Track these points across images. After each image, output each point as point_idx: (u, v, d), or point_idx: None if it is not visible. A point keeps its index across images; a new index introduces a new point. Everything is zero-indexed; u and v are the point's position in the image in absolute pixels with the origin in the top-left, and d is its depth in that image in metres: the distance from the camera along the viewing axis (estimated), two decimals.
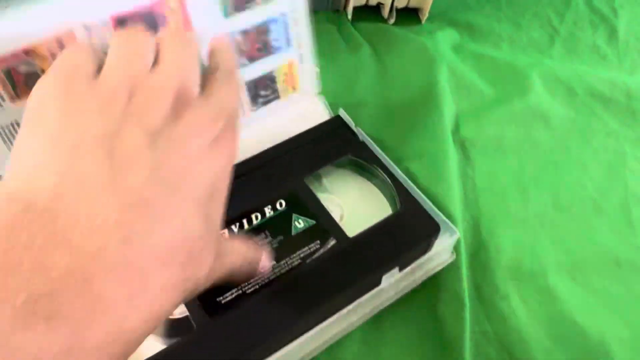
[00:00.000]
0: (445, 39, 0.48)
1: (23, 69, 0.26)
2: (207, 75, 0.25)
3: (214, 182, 0.22)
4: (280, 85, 0.36)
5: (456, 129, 0.42)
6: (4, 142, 0.27)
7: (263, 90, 0.36)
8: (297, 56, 0.36)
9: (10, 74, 0.26)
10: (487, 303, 0.35)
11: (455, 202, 0.38)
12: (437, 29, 0.49)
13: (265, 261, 0.28)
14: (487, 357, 0.33)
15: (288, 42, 0.35)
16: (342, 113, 0.38)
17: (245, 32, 0.32)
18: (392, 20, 0.50)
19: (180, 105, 0.22)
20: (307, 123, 0.37)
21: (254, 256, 0.27)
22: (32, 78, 0.27)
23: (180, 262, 0.20)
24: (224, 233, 0.30)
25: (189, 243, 0.20)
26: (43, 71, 0.27)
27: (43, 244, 0.17)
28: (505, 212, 0.38)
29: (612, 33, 0.49)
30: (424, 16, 0.49)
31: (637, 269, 0.36)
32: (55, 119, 0.20)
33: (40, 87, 0.21)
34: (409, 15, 0.50)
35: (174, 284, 0.20)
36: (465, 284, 0.35)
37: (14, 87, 0.26)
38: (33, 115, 0.20)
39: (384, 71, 0.46)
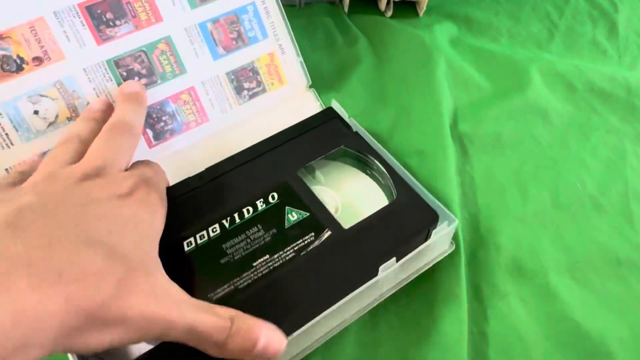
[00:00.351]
0: (443, 33, 0.47)
1: None
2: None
3: (112, 224, 0.23)
4: (264, 77, 0.36)
5: (454, 124, 0.42)
6: None
7: (247, 83, 0.36)
8: (276, 47, 0.36)
9: None
10: (486, 303, 0.34)
11: (454, 199, 0.37)
12: (434, 23, 0.48)
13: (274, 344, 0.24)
14: (486, 358, 0.32)
15: (263, 32, 0.35)
16: (335, 104, 0.37)
17: (216, 21, 0.33)
18: (389, 13, 0.49)
19: (88, 179, 0.25)
20: (297, 116, 0.36)
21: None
22: (7, 62, 0.29)
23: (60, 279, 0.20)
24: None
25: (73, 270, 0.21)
26: (18, 56, 0.29)
27: None
28: (504, 209, 0.38)
29: (612, 28, 0.48)
30: (422, 9, 0.48)
31: (637, 268, 0.35)
32: None
33: None
34: (406, 8, 0.49)
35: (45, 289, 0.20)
36: (464, 283, 0.34)
37: None
38: None
39: (381, 65, 0.45)
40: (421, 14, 0.49)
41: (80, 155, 0.27)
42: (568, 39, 0.47)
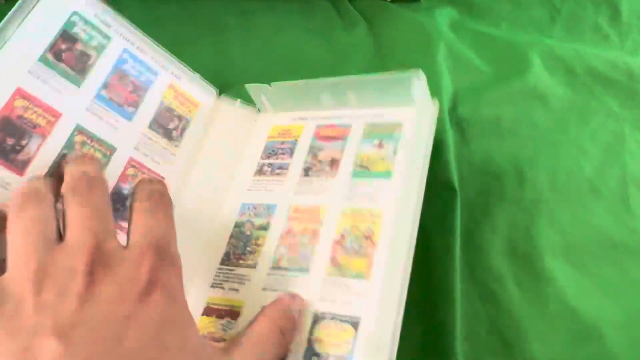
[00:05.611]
0: (443, 17, 0.47)
1: None
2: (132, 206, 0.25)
3: (155, 332, 0.22)
4: (181, 110, 0.35)
5: (453, 108, 0.42)
6: None
7: (170, 123, 0.35)
8: (171, 77, 0.35)
9: None
10: (480, 284, 0.34)
11: (452, 182, 0.37)
12: (435, 7, 0.48)
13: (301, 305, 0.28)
14: (479, 338, 0.33)
15: (152, 71, 0.34)
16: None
17: (106, 86, 0.32)
18: None
19: (94, 274, 0.21)
20: (231, 125, 0.38)
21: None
22: None
23: None
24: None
25: None
26: None
27: None
28: (500, 193, 0.38)
29: (615, 13, 0.48)
30: None
31: (632, 253, 0.35)
32: None
33: None
34: None
35: None
36: (458, 264, 0.34)
37: None
38: None
39: (381, 49, 0.45)
40: None
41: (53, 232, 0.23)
42: (570, 24, 0.47)
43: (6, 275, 0.22)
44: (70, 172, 0.25)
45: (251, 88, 0.37)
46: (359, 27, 0.47)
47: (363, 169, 0.34)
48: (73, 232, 0.23)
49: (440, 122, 0.40)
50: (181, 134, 0.35)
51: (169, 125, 0.35)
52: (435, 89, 0.42)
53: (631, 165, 0.39)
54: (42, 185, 0.25)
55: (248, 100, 0.39)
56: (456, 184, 0.37)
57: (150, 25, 0.46)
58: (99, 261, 0.22)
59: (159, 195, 0.26)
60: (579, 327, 0.33)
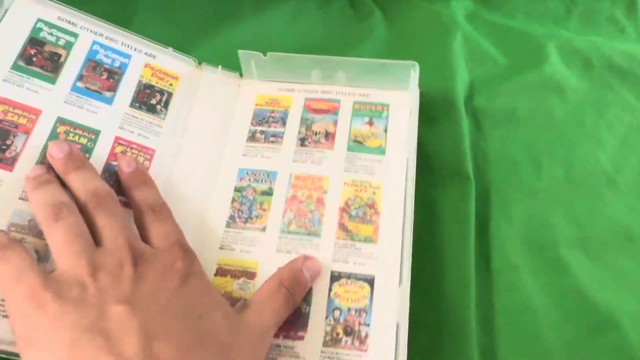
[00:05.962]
0: (459, 7, 0.47)
1: None
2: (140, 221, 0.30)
3: (195, 302, 0.26)
4: (160, 84, 0.36)
5: (469, 98, 0.41)
6: None
7: (152, 99, 0.36)
8: (146, 58, 0.37)
9: None
10: (496, 274, 0.34)
11: (467, 172, 0.37)
12: None
13: (311, 267, 0.31)
14: (494, 327, 0.33)
15: (124, 55, 0.36)
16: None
17: (81, 77, 0.34)
18: None
19: (138, 265, 0.26)
20: (219, 93, 0.39)
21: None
22: None
23: None
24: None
25: None
26: None
27: None
28: (516, 184, 0.38)
29: (631, 5, 0.47)
30: None
31: None
32: (43, 332, 0.23)
33: (14, 315, 0.24)
34: None
35: None
36: (473, 252, 0.34)
37: None
38: (24, 341, 0.24)
39: (395, 38, 0.45)
40: None
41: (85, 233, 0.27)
42: (585, 16, 0.47)
43: (59, 271, 0.25)
44: (86, 189, 0.29)
45: (242, 54, 0.38)
46: (374, 16, 0.46)
47: (358, 144, 0.37)
48: (108, 238, 0.27)
49: (455, 112, 0.40)
50: (165, 107, 0.36)
51: (151, 101, 0.36)
52: (450, 79, 0.42)
53: None
54: (63, 195, 0.28)
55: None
56: (471, 174, 0.37)
57: (165, 15, 0.46)
58: (139, 256, 0.26)
59: (161, 206, 0.30)
60: (594, 318, 0.33)
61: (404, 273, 0.31)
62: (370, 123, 0.38)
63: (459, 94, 0.41)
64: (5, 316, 0.26)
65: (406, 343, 0.28)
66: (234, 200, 0.35)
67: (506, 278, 0.34)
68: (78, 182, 0.29)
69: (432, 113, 0.40)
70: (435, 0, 0.47)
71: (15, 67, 0.32)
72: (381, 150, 0.36)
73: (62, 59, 0.34)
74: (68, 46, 0.34)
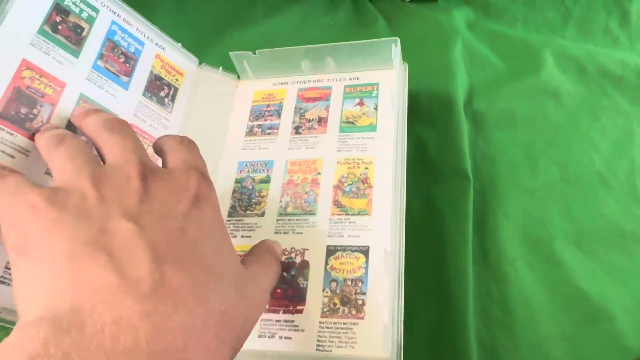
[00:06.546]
0: (460, 16, 0.49)
1: None
2: (160, 147, 0.27)
3: (208, 232, 0.23)
4: (168, 78, 0.37)
5: (468, 102, 0.43)
6: None
7: (161, 92, 0.37)
8: (156, 48, 0.37)
9: None
10: (494, 266, 0.36)
11: (466, 171, 0.39)
12: (452, 7, 0.49)
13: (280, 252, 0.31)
14: (491, 316, 0.34)
15: (139, 41, 0.36)
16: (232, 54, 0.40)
17: (102, 56, 0.33)
18: None
19: (148, 180, 0.23)
20: (211, 92, 0.40)
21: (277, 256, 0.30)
22: None
23: (214, 324, 0.21)
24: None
25: (211, 296, 0.21)
26: None
27: (79, 357, 0.17)
28: (514, 182, 0.39)
29: (625, 17, 0.49)
30: None
31: None
32: (39, 241, 0.20)
33: (8, 225, 0.22)
34: None
35: (215, 348, 0.20)
36: (470, 246, 0.36)
37: None
38: (17, 252, 0.21)
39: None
40: None
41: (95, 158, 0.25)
42: (581, 26, 0.49)
43: (59, 183, 0.23)
44: (94, 118, 0.27)
45: (234, 55, 0.40)
46: (378, 23, 0.48)
47: (349, 124, 0.39)
48: (116, 156, 0.24)
49: (456, 114, 0.42)
50: (172, 101, 0.37)
51: (160, 93, 0.37)
52: (451, 84, 0.44)
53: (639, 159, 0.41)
54: (68, 132, 0.26)
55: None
56: (470, 172, 0.39)
57: (177, 16, 0.48)
58: (149, 172, 0.23)
59: (189, 140, 0.28)
60: (588, 309, 0.34)
61: (399, 241, 0.31)
62: (361, 103, 0.40)
63: (459, 98, 0.43)
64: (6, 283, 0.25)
65: (402, 305, 0.29)
66: (234, 191, 0.37)
67: (503, 271, 0.35)
68: (93, 120, 0.27)
69: (434, 115, 0.42)
70: (437, 9, 0.49)
71: (41, 31, 0.30)
72: (372, 127, 0.38)
73: (84, 33, 0.33)
74: (90, 20, 0.33)
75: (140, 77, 0.35)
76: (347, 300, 0.31)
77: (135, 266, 0.20)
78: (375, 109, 0.39)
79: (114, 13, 0.35)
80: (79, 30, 0.32)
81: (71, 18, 0.32)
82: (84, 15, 0.33)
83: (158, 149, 0.28)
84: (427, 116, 0.42)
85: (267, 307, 0.30)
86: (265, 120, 0.40)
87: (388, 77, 0.40)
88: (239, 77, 0.43)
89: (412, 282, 0.33)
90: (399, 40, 0.38)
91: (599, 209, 0.38)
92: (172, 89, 0.37)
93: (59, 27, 0.31)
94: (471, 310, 0.33)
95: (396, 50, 0.38)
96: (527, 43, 0.46)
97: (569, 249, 0.36)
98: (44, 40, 0.30)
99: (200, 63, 0.41)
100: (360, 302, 0.31)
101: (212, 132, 0.39)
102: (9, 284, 0.26)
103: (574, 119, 0.42)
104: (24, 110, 0.28)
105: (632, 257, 0.36)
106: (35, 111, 0.29)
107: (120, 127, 0.26)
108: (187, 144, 0.27)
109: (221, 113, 0.41)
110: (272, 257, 0.29)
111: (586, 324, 0.33)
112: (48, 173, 0.28)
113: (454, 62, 0.45)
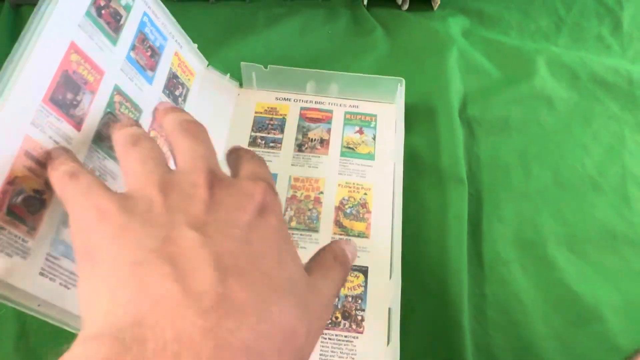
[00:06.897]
0: (456, 25, 0.50)
1: (18, 199, 0.24)
2: (233, 159, 0.27)
3: (273, 243, 0.22)
4: (182, 77, 0.37)
5: (463, 108, 0.44)
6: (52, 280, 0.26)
7: (176, 90, 0.37)
8: (176, 46, 0.37)
9: (12, 211, 0.24)
10: (488, 268, 0.37)
11: (461, 175, 0.40)
12: (448, 16, 0.51)
13: (351, 251, 0.28)
14: (486, 317, 0.35)
15: (163, 36, 0.35)
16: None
17: (134, 48, 0.32)
18: (405, 6, 0.52)
19: (215, 188, 0.22)
20: (214, 97, 0.41)
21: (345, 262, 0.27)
22: (30, 203, 0.25)
23: (276, 342, 0.20)
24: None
25: (276, 309, 0.20)
26: (34, 190, 0.25)
27: None
28: (508, 186, 0.40)
29: (617, 25, 0.51)
30: (436, 3, 0.51)
31: (631, 243, 0.38)
32: (105, 246, 0.20)
33: (76, 227, 0.22)
34: (421, 1, 0.52)
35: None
36: (465, 248, 0.37)
37: (23, 221, 0.24)
38: (83, 256, 0.21)
39: (395, 52, 0.48)
40: (435, 7, 0.52)
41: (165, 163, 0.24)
42: (574, 34, 0.50)
43: (128, 189, 0.23)
44: (173, 117, 0.26)
45: (245, 66, 0.42)
46: (376, 32, 0.50)
47: (350, 150, 0.41)
48: (186, 161, 0.24)
49: (450, 120, 0.43)
50: (184, 101, 0.37)
51: (175, 92, 0.36)
52: (446, 91, 0.45)
53: (631, 164, 0.42)
54: (145, 132, 0.26)
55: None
56: (465, 177, 0.40)
57: (181, 24, 0.49)
58: (216, 180, 0.23)
59: (260, 156, 0.27)
60: (580, 310, 0.35)
61: (394, 265, 0.33)
62: (361, 132, 0.42)
63: (454, 104, 0.44)
64: (66, 286, 0.25)
65: (398, 326, 0.31)
66: None
67: (497, 272, 0.37)
68: (172, 119, 0.26)
69: (429, 121, 0.43)
70: (433, 17, 0.51)
71: (88, 14, 0.29)
72: (371, 156, 0.41)
73: (122, 21, 0.31)
74: (127, 8, 0.32)
75: (162, 73, 0.35)
76: (347, 315, 0.33)
77: (198, 278, 0.19)
78: (374, 139, 0.42)
79: (146, 4, 0.34)
80: (117, 17, 0.31)
81: (113, 3, 0.31)
82: (123, 2, 0.32)
83: (229, 159, 0.28)
84: (422, 122, 0.43)
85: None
86: (269, 133, 0.42)
87: (386, 110, 0.43)
88: (241, 84, 0.44)
89: (409, 283, 0.34)
90: (404, 80, 0.41)
91: (590, 212, 0.39)
92: (185, 89, 0.38)
93: (103, 11, 0.30)
94: (466, 311, 0.34)
95: (401, 90, 0.41)
96: (521, 50, 0.48)
97: (562, 251, 0.37)
98: (89, 23, 0.29)
99: (208, 65, 0.41)
100: (360, 317, 0.33)
101: (214, 137, 0.40)
102: (70, 288, 0.25)
103: (566, 125, 0.44)
104: (69, 96, 0.27)
105: (622, 259, 0.37)
106: (78, 98, 0.28)
107: (196, 130, 0.26)
108: (259, 159, 0.27)
109: (222, 118, 0.42)
110: (335, 262, 0.27)
111: (578, 324, 0.35)
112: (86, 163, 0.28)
113: (449, 69, 0.46)
